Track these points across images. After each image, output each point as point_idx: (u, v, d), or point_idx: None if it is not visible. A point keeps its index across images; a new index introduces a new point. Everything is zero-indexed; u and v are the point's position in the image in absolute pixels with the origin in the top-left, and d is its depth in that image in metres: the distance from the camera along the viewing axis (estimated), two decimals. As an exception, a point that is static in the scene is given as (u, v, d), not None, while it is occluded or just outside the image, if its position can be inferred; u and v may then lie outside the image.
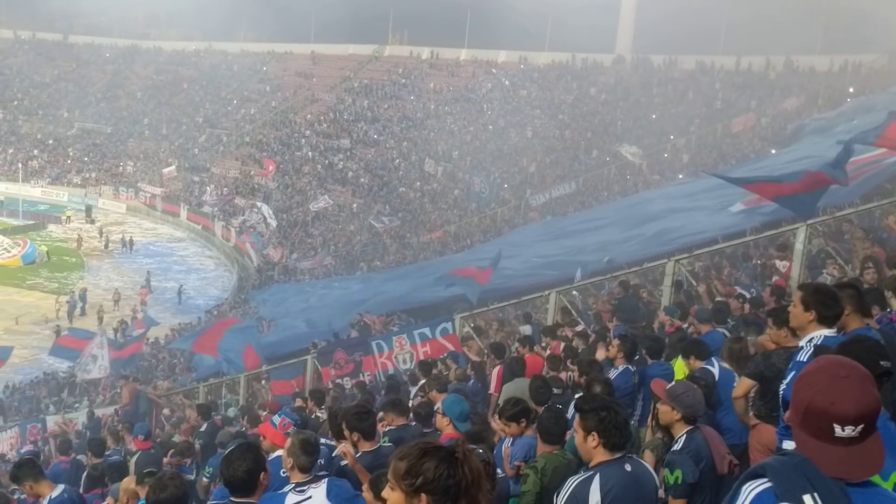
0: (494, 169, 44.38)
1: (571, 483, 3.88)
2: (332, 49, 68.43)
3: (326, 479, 3.48)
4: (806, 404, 2.10)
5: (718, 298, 10.41)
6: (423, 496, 2.37)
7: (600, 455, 3.87)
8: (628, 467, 3.89)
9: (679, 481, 4.31)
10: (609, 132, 44.69)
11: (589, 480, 3.81)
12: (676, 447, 4.57)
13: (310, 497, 2.71)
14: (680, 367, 7.13)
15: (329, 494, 2.71)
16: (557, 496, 3.97)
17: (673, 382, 4.83)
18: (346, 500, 2.71)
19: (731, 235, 13.92)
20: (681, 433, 4.62)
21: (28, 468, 6.48)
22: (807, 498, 2.04)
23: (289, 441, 4.60)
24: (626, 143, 38.02)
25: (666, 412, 4.68)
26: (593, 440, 3.85)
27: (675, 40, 55.88)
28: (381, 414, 6.90)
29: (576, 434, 4.01)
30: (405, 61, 63.99)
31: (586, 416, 3.90)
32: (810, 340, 4.29)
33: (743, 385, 5.37)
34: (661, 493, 4.17)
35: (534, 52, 61.01)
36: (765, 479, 2.13)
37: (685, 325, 9.40)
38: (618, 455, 3.88)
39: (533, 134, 47.76)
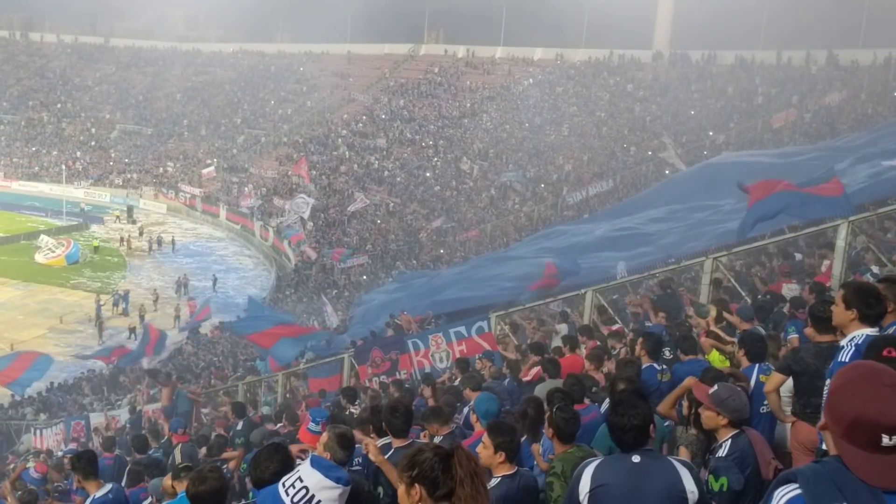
0: (531, 167, 44.23)
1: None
2: (367, 49, 68.77)
3: (310, 454, 3.54)
4: (853, 416, 2.06)
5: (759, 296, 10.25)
6: (417, 486, 2.67)
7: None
8: (636, 458, 3.68)
9: (725, 489, 4.16)
10: (647, 129, 44.28)
11: (586, 465, 3.74)
12: (721, 453, 4.40)
13: (298, 470, 2.86)
14: (716, 358, 7.04)
15: (312, 464, 2.86)
16: None
17: (715, 386, 4.71)
18: (328, 467, 2.84)
19: (772, 232, 13.64)
20: (725, 437, 4.47)
21: (84, 463, 6.59)
22: None
23: (324, 436, 4.65)
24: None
25: (711, 417, 4.53)
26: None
27: (714, 35, 55.29)
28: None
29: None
30: (441, 60, 64.05)
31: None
32: (851, 340, 4.21)
33: (774, 379, 5.30)
34: (690, 494, 3.96)
35: (570, 48, 60.73)
36: (796, 486, 2.13)
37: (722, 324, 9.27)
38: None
39: (569, 131, 47.53)
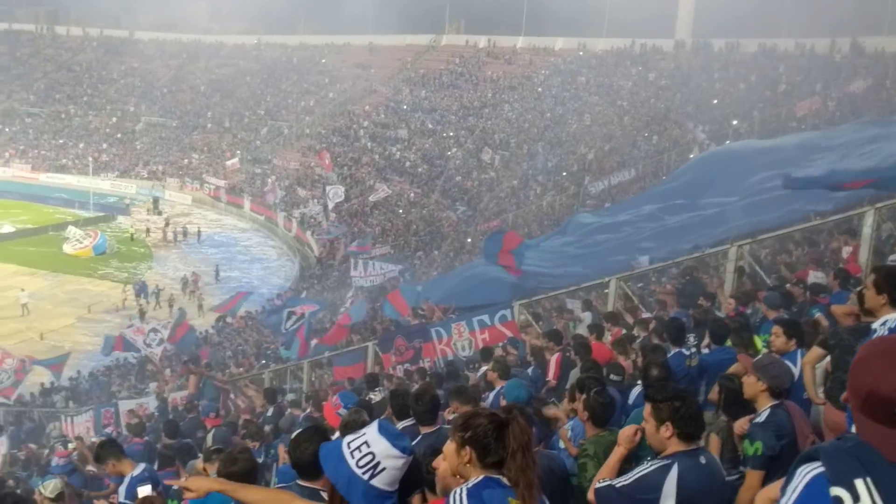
0: (552, 156, 44.14)
1: (644, 469, 3.79)
2: (389, 40, 68.80)
3: (377, 419, 3.59)
4: (867, 390, 2.06)
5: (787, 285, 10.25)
6: (468, 449, 2.71)
7: (675, 445, 3.75)
8: (703, 459, 3.76)
9: (759, 452, 4.21)
10: (669, 118, 44.02)
11: (665, 469, 3.68)
12: (759, 420, 4.50)
13: (364, 434, 2.88)
14: (757, 343, 7.07)
15: (380, 430, 2.88)
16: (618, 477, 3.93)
17: (759, 355, 4.80)
18: (395, 435, 2.88)
19: (797, 220, 13.57)
20: (765, 407, 4.55)
21: (109, 448, 6.80)
22: (858, 482, 2.00)
23: (342, 421, 4.75)
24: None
25: (751, 384, 4.61)
26: (667, 430, 3.74)
27: (737, 23, 54.72)
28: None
29: (646, 424, 3.90)
30: (462, 50, 63.98)
31: (659, 405, 3.80)
32: (884, 323, 4.25)
33: (811, 353, 5.35)
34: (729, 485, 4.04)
35: (592, 38, 60.41)
36: (818, 463, 2.11)
37: (748, 311, 9.31)
38: (693, 446, 3.77)
39: (591, 121, 47.33)
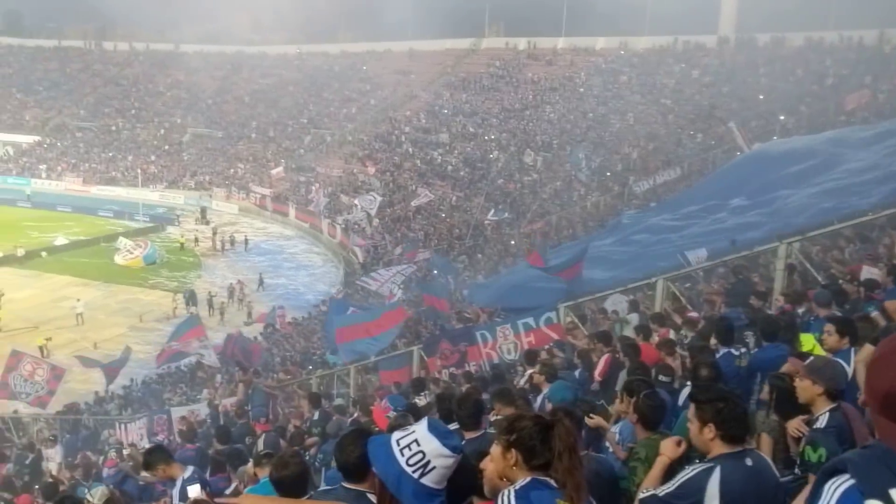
0: (595, 157, 43.80)
1: (686, 473, 3.72)
2: (429, 45, 69.05)
3: (426, 417, 3.58)
4: (886, 388, 1.92)
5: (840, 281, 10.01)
6: (514, 451, 2.73)
7: (718, 447, 3.69)
8: (749, 461, 3.68)
9: (822, 459, 4.04)
10: (714, 115, 43.39)
11: (708, 473, 3.62)
12: (819, 425, 4.35)
13: (413, 431, 2.86)
14: (808, 341, 6.93)
15: (429, 428, 2.86)
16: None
17: (811, 357, 4.66)
18: (444, 433, 2.86)
19: (848, 215, 13.27)
20: (822, 410, 4.39)
21: (158, 454, 6.90)
22: (893, 492, 1.88)
23: (388, 425, 4.77)
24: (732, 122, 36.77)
25: (806, 387, 4.45)
26: (710, 432, 3.69)
27: (782, 17, 53.85)
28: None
29: (690, 425, 3.84)
30: (502, 53, 63.93)
31: (702, 406, 3.75)
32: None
33: (865, 351, 5.21)
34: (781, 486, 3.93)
35: (633, 37, 59.91)
36: (847, 476, 1.98)
37: (801, 310, 9.11)
38: (738, 448, 3.70)
39: (634, 120, 46.89)
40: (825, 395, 4.41)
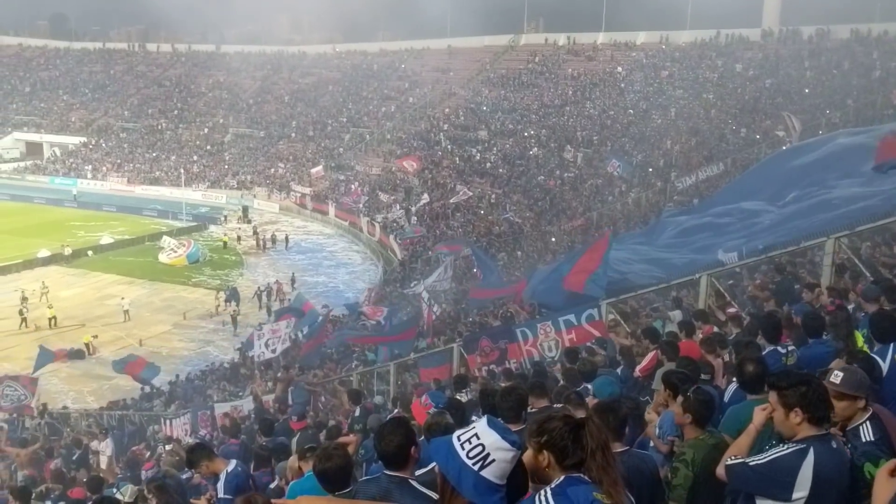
0: (637, 152, 43.36)
1: (780, 451, 3.72)
2: (467, 42, 69.02)
3: (485, 415, 3.59)
4: None
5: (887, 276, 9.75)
6: (546, 453, 2.77)
7: (806, 430, 3.71)
8: (834, 444, 3.73)
9: None
10: (758, 109, 42.68)
11: (802, 454, 3.63)
12: (867, 437, 4.16)
13: (473, 427, 2.88)
14: (859, 338, 6.76)
15: (489, 423, 2.88)
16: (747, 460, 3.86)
17: (838, 373, 4.44)
18: (504, 428, 2.87)
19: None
20: (862, 419, 4.23)
21: (200, 451, 6.97)
22: None
23: (426, 422, 4.75)
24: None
25: (849, 406, 4.22)
26: (796, 416, 3.71)
27: (827, 9, 52.81)
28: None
29: (775, 412, 3.86)
30: (541, 49, 63.62)
31: (785, 392, 3.78)
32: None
33: None
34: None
35: (675, 31, 59.22)
36: None
37: (849, 306, 8.90)
38: (824, 430, 3.73)
39: (676, 114, 46.33)
40: (865, 403, 4.30)
